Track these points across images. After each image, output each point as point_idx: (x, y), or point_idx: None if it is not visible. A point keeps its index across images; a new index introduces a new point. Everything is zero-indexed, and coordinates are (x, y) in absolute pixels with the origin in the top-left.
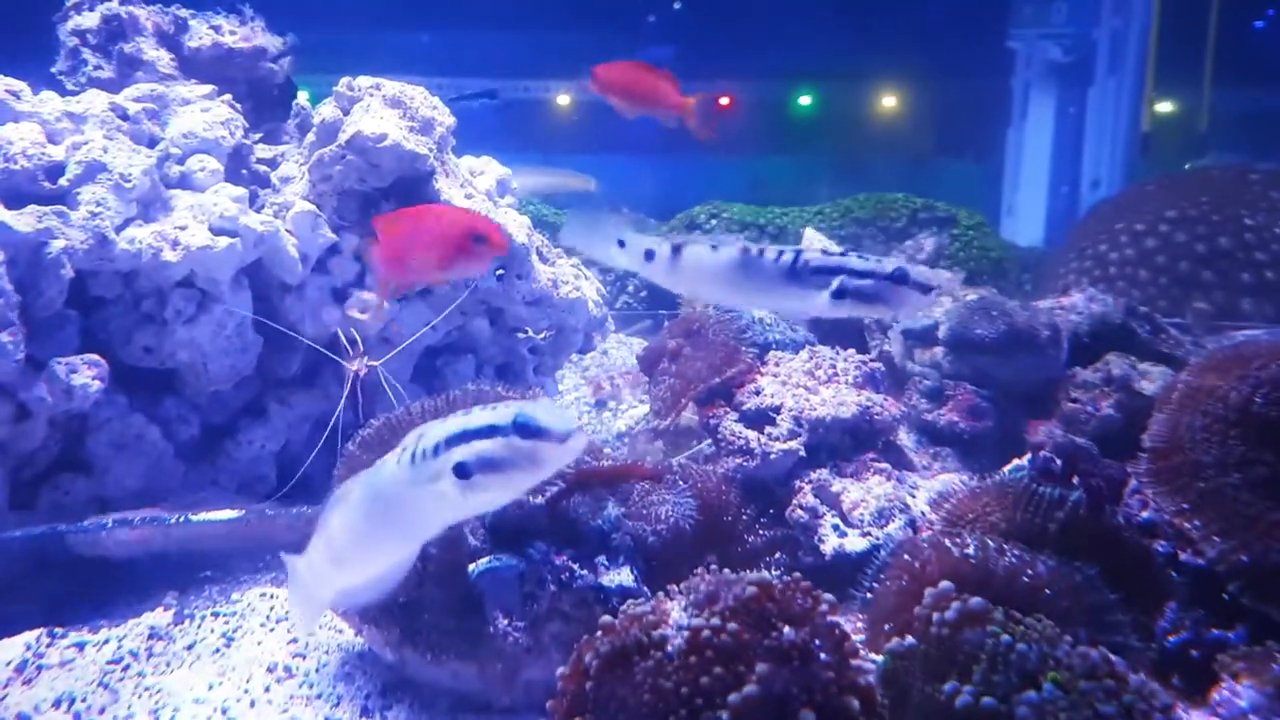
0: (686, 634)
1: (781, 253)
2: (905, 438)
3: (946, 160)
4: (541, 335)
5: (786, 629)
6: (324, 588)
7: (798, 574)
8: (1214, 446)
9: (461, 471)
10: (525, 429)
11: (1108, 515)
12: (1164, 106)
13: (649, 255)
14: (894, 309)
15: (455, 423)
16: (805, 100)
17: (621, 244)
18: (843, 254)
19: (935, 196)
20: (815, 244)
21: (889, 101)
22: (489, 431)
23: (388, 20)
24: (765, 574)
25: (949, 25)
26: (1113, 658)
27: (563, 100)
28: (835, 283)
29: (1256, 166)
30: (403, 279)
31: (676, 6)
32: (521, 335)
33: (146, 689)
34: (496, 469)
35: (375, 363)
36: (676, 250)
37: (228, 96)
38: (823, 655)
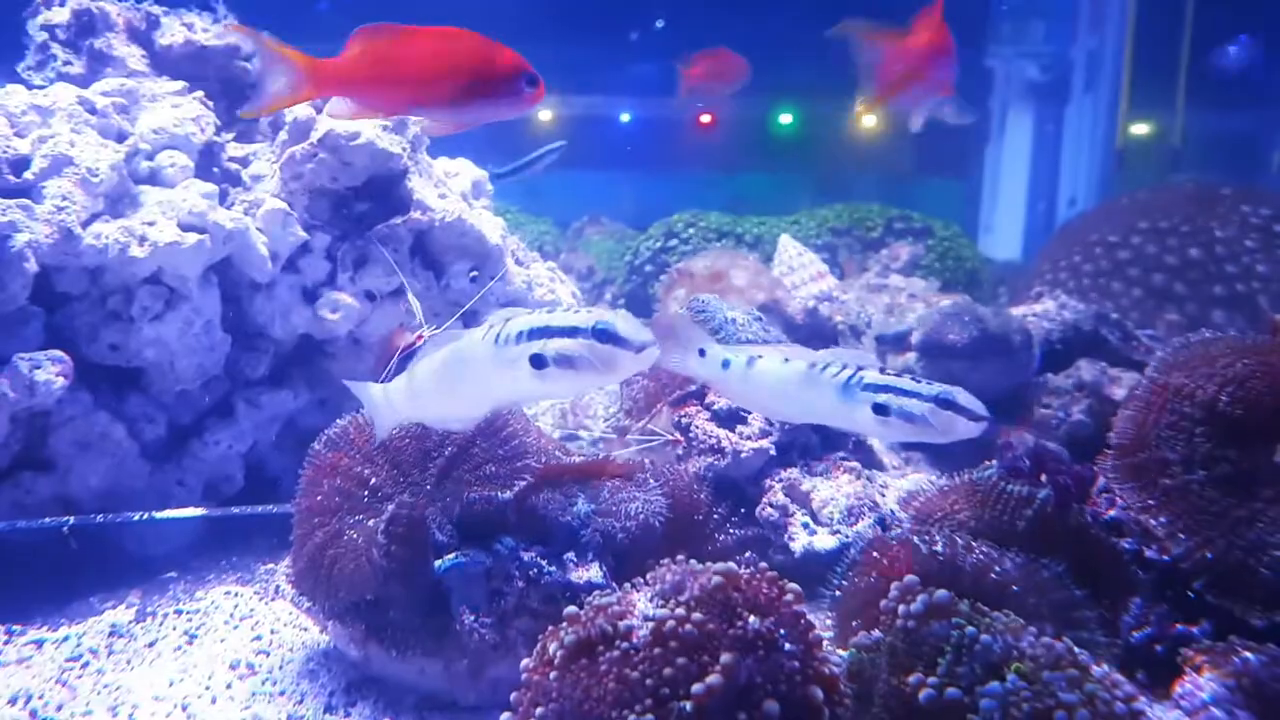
0: (652, 624)
1: (843, 368)
2: (876, 441)
3: (926, 178)
4: None
5: (751, 618)
6: (401, 411)
7: (764, 565)
8: (1180, 444)
9: (537, 362)
10: (603, 334)
11: (1075, 513)
12: (1139, 125)
13: (725, 365)
14: (939, 433)
15: (539, 318)
16: (786, 119)
17: (702, 353)
18: (898, 374)
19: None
20: (790, 252)
21: (869, 120)
22: (570, 331)
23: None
24: (731, 564)
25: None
26: (1077, 649)
27: (544, 115)
28: (879, 398)
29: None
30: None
31: (659, 25)
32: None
33: (106, 686)
34: (571, 365)
35: (438, 330)
36: (750, 362)
37: (199, 93)
38: (788, 645)
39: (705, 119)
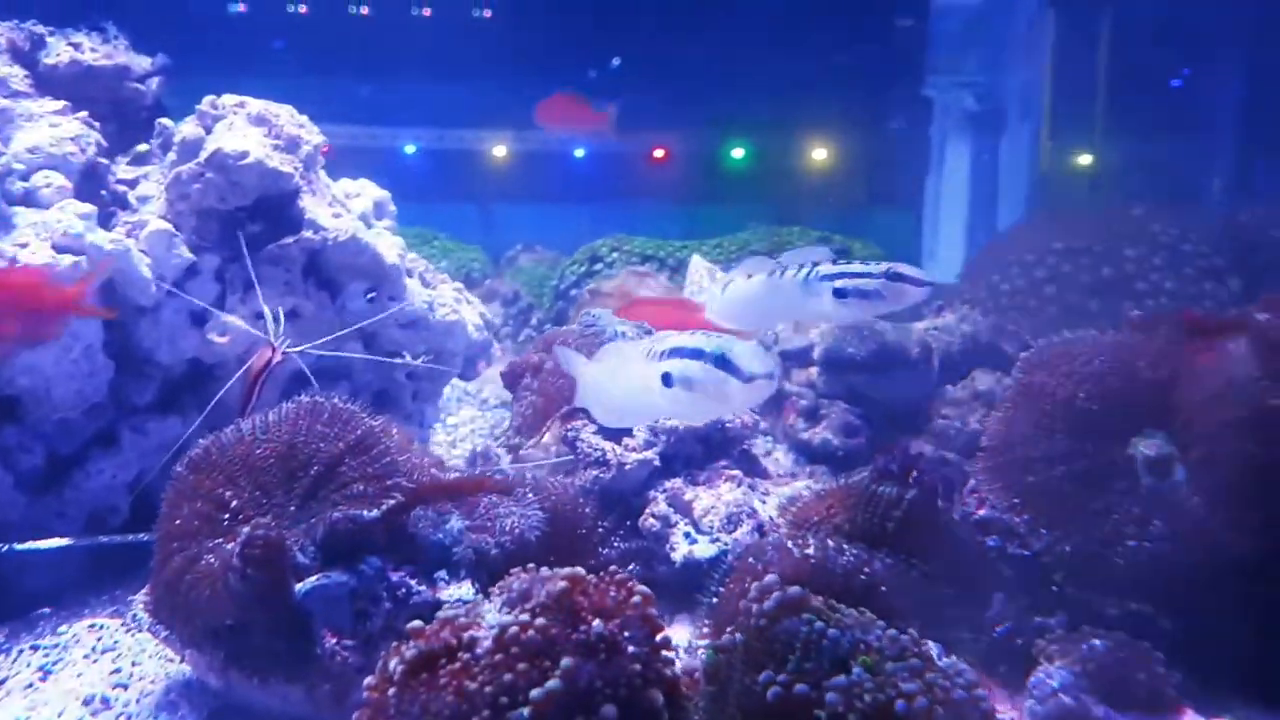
0: (495, 632)
1: (800, 268)
2: (781, 455)
3: (878, 209)
4: (418, 360)
5: (596, 622)
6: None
7: (614, 568)
8: (1042, 441)
9: (665, 380)
10: (719, 360)
11: (943, 513)
12: (1060, 153)
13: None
14: (894, 303)
15: (680, 339)
16: (738, 152)
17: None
18: (847, 263)
19: (864, 242)
20: (700, 271)
21: (819, 154)
22: (695, 354)
23: (327, 69)
24: (578, 569)
25: (871, 77)
26: (925, 641)
27: (498, 151)
28: (838, 284)
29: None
30: None
31: (616, 63)
32: (398, 360)
33: None
34: (690, 387)
35: (293, 349)
36: (725, 287)
37: (83, 114)
38: (631, 648)
39: (659, 154)
